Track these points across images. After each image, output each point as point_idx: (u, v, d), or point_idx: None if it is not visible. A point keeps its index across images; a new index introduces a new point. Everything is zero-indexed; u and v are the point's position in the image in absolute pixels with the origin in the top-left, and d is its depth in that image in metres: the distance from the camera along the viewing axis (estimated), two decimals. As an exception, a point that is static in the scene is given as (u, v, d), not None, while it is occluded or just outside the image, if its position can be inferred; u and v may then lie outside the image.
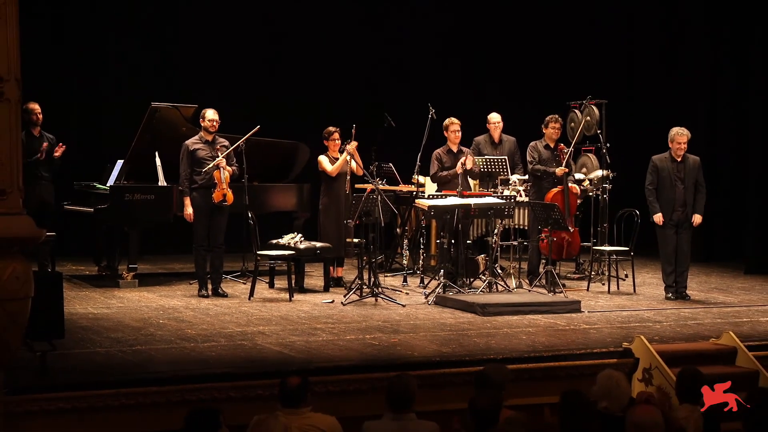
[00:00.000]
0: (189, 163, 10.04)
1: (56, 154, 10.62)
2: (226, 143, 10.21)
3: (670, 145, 10.19)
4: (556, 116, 11.17)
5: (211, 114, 10.12)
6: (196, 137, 10.18)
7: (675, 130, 10.20)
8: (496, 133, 11.71)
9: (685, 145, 10.14)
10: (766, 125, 13.11)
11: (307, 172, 11.77)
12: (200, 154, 10.06)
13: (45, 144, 10.55)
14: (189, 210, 10.05)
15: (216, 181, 10.00)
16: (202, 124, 10.15)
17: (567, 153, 10.99)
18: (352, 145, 10.56)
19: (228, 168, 10.05)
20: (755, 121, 13.18)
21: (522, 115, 11.91)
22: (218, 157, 10.00)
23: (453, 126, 10.85)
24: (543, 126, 11.17)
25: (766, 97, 13.06)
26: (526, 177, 11.26)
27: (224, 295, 10.12)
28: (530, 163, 11.13)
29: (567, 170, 10.88)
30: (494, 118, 11.72)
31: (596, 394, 5.68)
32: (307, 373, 6.21)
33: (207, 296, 10.04)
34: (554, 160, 10.99)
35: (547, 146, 11.12)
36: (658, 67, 14.78)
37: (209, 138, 10.14)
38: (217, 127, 10.13)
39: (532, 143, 11.18)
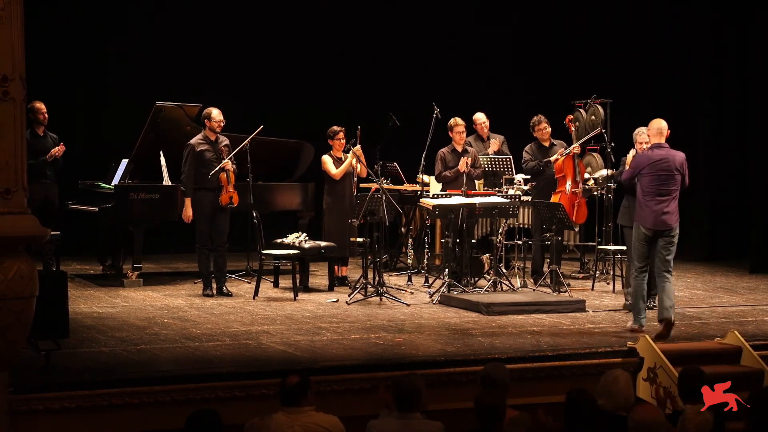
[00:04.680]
0: (194, 165, 10.05)
1: (57, 154, 10.59)
2: (228, 142, 10.24)
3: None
4: (540, 117, 11.16)
5: (217, 114, 10.14)
6: (200, 137, 10.18)
7: (636, 130, 9.47)
8: (483, 132, 11.80)
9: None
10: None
11: (311, 171, 11.77)
12: (207, 155, 10.09)
13: (58, 147, 10.52)
14: (189, 212, 10.07)
15: (222, 183, 10.03)
16: (208, 125, 10.16)
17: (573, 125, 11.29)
18: (358, 149, 10.56)
19: (231, 168, 10.08)
20: (759, 119, 13.15)
21: (526, 114, 11.87)
22: (223, 158, 10.04)
23: (458, 127, 10.85)
24: (531, 130, 11.18)
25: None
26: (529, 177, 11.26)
27: (229, 295, 10.12)
28: (524, 163, 11.12)
29: (579, 149, 11.03)
30: (480, 118, 11.78)
31: (597, 391, 5.71)
32: (309, 372, 6.22)
33: (211, 295, 10.04)
34: (550, 157, 11.04)
35: (541, 146, 11.14)
36: (662, 65, 14.77)
37: (213, 138, 10.16)
38: (222, 126, 10.17)
39: (527, 146, 11.20)
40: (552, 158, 11.00)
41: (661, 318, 8.24)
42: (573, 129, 11.33)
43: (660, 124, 8.54)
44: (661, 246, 8.31)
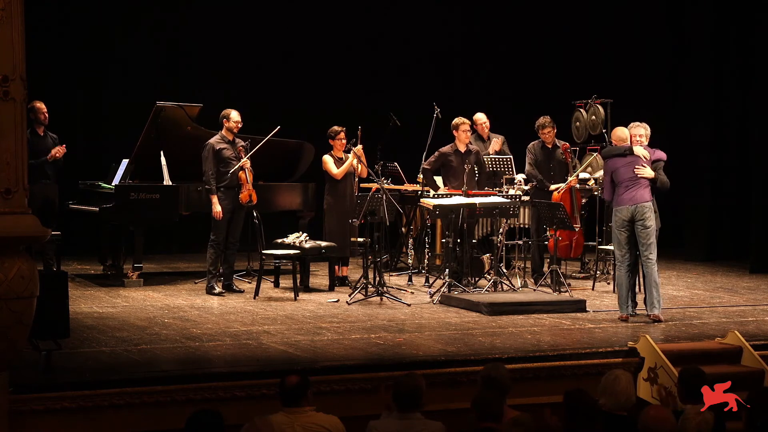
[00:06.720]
0: (215, 162, 10.13)
1: (58, 155, 10.55)
2: (243, 143, 10.31)
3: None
4: (548, 119, 11.10)
5: (236, 115, 10.30)
6: (218, 137, 10.27)
7: (630, 125, 9.14)
8: (484, 132, 11.82)
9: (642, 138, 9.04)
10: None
11: (312, 171, 11.77)
12: (226, 153, 10.20)
13: (58, 148, 10.50)
14: (218, 208, 10.11)
15: (241, 182, 10.12)
16: (227, 125, 10.27)
17: (570, 152, 11.20)
18: (359, 149, 10.57)
19: (250, 168, 10.17)
20: (759, 118, 13.15)
21: (527, 114, 11.90)
22: (242, 157, 10.16)
23: (464, 125, 10.84)
24: (536, 131, 11.16)
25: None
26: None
27: (240, 291, 10.27)
28: (529, 163, 11.12)
29: (578, 179, 11.01)
30: (480, 118, 11.79)
31: (598, 391, 5.71)
32: (309, 372, 6.22)
33: (221, 294, 10.08)
34: (551, 161, 11.00)
35: (544, 147, 11.12)
36: (663, 65, 14.78)
37: (230, 138, 10.25)
38: (240, 128, 10.25)
39: (530, 144, 11.18)
40: (553, 187, 10.92)
41: (650, 314, 8.84)
42: (569, 159, 11.21)
43: (624, 133, 9.25)
44: (638, 231, 8.80)
